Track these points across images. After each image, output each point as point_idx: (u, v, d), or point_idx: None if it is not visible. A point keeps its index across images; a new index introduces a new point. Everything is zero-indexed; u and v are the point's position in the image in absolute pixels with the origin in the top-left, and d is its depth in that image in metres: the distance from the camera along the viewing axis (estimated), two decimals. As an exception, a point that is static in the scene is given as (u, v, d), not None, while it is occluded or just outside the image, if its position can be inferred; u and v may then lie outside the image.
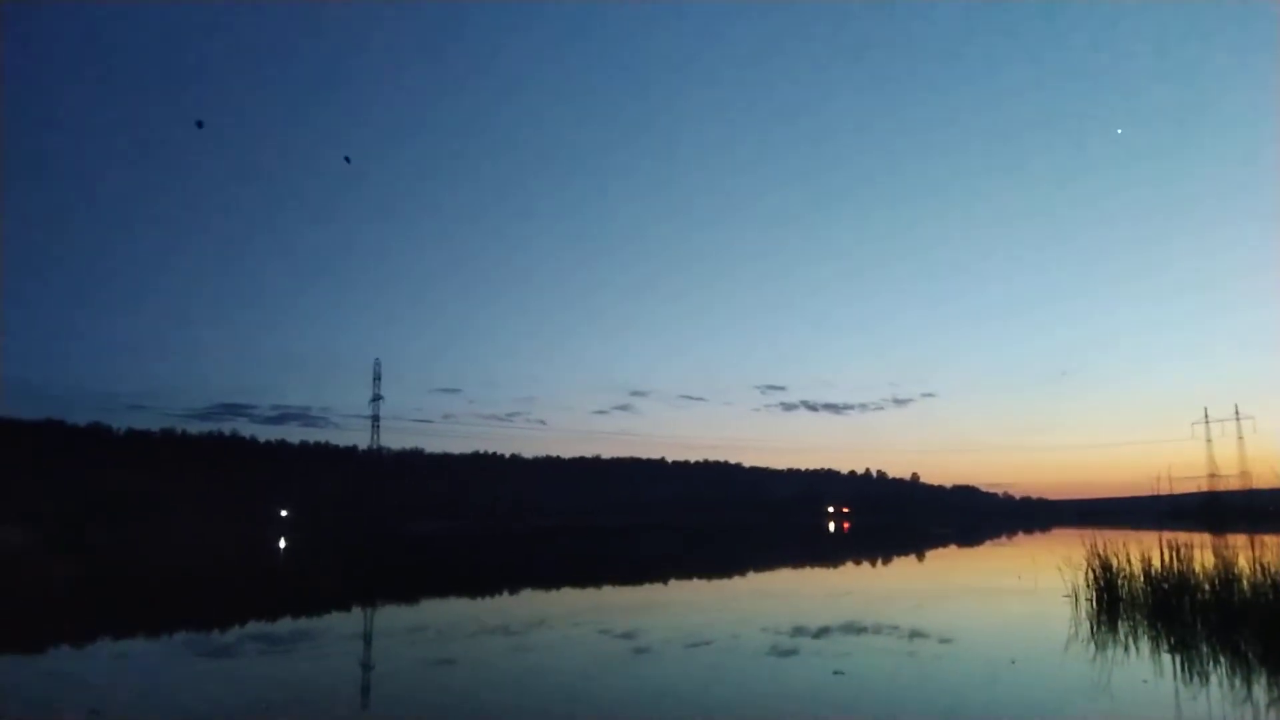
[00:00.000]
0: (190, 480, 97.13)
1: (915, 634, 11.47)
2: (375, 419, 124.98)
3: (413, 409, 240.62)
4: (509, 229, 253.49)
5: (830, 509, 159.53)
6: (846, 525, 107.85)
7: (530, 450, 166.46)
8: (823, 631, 11.71)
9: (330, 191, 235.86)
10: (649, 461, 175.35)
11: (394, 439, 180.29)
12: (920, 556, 35.55)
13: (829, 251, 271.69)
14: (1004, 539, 54.94)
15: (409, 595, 19.45)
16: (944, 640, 10.98)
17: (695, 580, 23.43)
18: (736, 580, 23.43)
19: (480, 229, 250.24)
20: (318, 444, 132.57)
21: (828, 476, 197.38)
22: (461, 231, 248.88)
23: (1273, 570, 11.30)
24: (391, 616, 15.22)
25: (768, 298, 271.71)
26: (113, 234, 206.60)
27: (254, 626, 13.81)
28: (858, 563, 31.40)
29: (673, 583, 22.54)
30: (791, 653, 9.95)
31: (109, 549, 44.93)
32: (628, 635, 11.56)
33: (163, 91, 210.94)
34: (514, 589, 20.88)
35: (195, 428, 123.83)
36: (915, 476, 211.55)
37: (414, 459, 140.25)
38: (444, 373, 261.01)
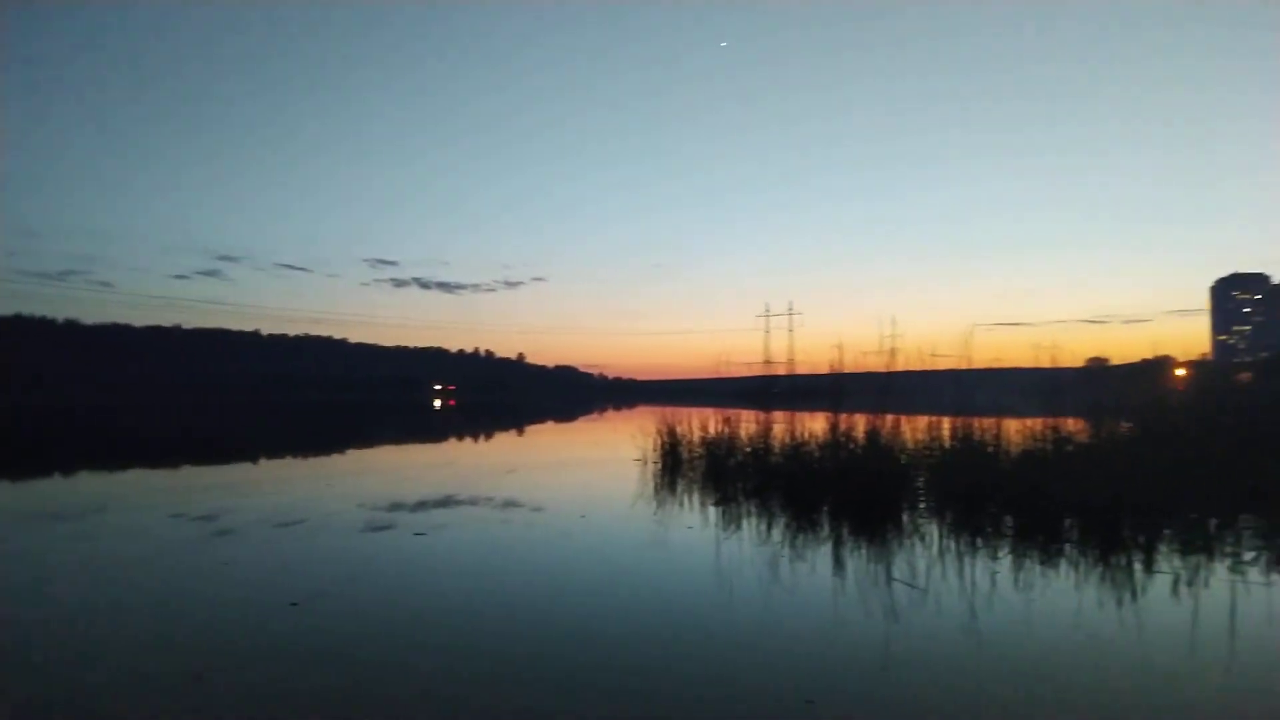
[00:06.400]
0: None
1: (509, 503, 12.23)
2: None
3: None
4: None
5: (437, 387, 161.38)
6: (453, 403, 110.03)
7: (92, 316, 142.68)
8: (420, 505, 11.94)
9: None
10: (240, 334, 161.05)
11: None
12: (520, 432, 37.64)
13: (449, 131, 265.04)
14: (596, 415, 60.25)
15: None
16: (529, 506, 11.86)
17: (289, 459, 22.33)
18: (335, 458, 22.80)
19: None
20: None
21: (436, 355, 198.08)
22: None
23: (796, 439, 13.87)
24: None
25: (381, 169, 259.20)
26: None
27: None
28: (460, 439, 32.32)
29: (263, 462, 21.25)
30: (386, 527, 10.03)
31: None
32: (208, 517, 10.72)
33: None
34: (66, 471, 18.11)
35: None
36: (521, 356, 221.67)
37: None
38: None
